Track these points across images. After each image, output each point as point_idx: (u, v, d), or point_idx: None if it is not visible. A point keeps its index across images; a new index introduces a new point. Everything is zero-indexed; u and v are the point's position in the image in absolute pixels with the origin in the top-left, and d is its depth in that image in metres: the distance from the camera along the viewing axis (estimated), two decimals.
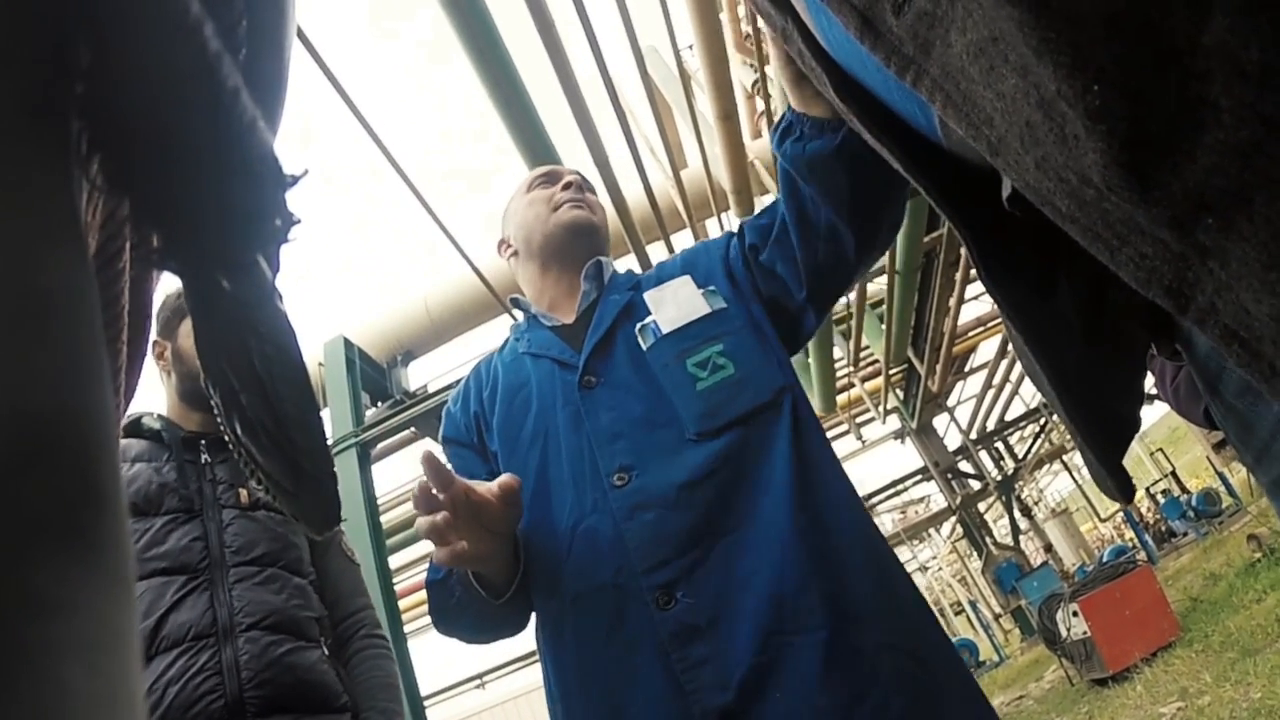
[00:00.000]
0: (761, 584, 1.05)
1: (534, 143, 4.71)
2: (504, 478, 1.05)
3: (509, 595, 1.17)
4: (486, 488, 1.05)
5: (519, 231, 1.49)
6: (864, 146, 0.91)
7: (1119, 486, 0.63)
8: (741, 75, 7.75)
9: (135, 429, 1.78)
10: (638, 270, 1.47)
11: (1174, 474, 19.93)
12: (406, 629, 8.93)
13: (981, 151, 0.40)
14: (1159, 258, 0.33)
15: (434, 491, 1.01)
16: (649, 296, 1.32)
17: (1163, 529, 17.04)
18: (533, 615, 1.24)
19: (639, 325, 1.28)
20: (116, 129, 0.28)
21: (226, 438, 0.40)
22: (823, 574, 1.05)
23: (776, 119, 1.23)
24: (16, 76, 0.24)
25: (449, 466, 1.03)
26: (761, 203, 7.59)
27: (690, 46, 6.49)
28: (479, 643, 1.30)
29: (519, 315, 1.57)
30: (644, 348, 1.26)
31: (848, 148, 1.07)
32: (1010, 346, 12.93)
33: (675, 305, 1.28)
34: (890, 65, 0.45)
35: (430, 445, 8.08)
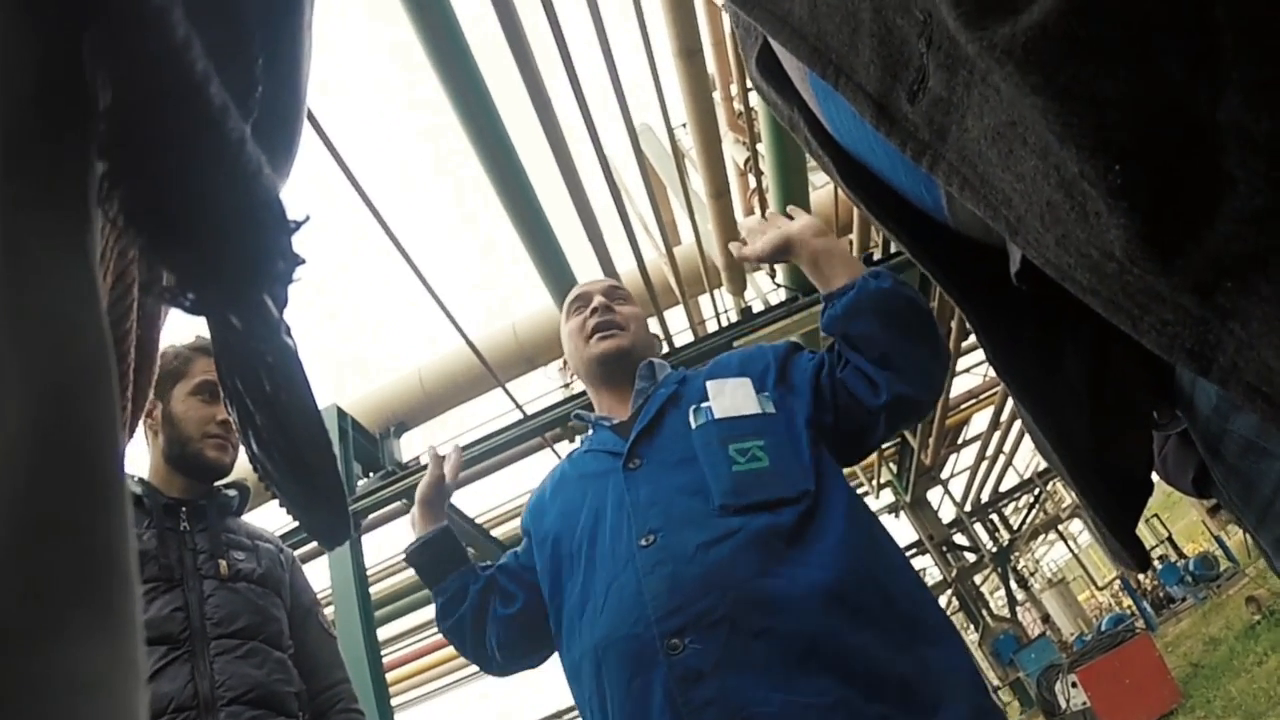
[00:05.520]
0: (773, 643, 1.13)
1: (531, 222, 4.78)
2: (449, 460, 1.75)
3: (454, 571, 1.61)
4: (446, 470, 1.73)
5: (570, 359, 1.77)
6: (851, 312, 1.39)
7: (1133, 555, 0.64)
8: (734, 152, 7.91)
9: None
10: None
11: (1170, 539, 19.83)
12: (394, 701, 8.74)
13: (1000, 231, 0.42)
14: (1180, 323, 0.34)
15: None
16: (710, 385, 1.50)
17: (1161, 595, 16.85)
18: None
19: (693, 407, 1.47)
20: (134, 169, 0.29)
21: (246, 453, 0.41)
22: (832, 642, 1.13)
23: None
24: (42, 115, 0.26)
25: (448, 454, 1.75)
26: (753, 280, 7.67)
27: (684, 125, 6.64)
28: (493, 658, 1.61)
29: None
30: (693, 426, 1.43)
31: (839, 317, 1.43)
32: (1003, 418, 12.94)
33: (732, 398, 1.47)
34: (906, 151, 0.46)
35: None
